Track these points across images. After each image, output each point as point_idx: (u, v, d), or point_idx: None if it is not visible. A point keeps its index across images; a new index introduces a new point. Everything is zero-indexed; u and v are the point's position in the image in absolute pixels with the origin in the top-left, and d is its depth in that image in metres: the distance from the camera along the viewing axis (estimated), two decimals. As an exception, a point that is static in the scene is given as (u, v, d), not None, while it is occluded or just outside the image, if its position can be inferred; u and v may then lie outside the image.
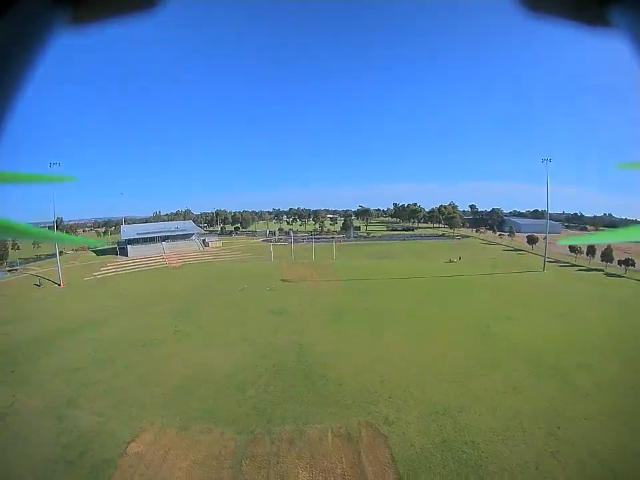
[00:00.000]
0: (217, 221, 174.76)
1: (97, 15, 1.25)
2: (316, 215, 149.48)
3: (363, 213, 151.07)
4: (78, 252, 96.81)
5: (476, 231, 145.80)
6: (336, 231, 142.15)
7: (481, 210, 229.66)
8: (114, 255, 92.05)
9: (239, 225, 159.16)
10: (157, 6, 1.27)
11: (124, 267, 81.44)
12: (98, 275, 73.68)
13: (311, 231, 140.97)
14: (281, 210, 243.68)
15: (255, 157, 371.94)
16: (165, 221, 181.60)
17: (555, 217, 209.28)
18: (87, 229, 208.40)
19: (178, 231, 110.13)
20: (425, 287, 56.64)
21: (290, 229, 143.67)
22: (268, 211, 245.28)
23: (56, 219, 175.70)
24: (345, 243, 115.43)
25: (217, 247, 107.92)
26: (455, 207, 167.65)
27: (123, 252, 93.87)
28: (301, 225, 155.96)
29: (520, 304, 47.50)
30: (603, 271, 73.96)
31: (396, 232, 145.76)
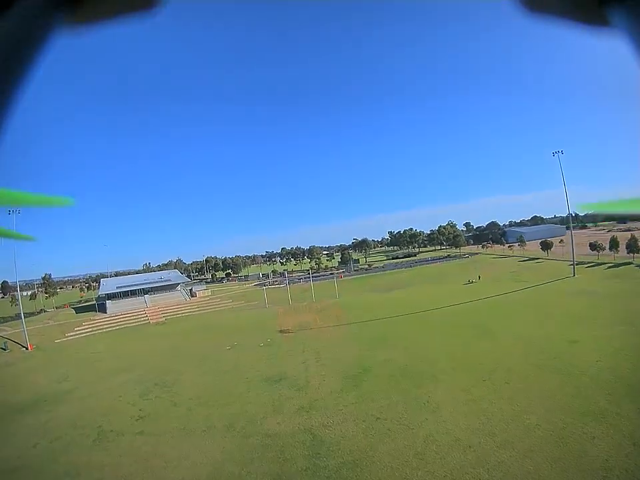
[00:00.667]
0: (207, 268, 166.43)
1: (97, 15, 1.23)
2: (310, 252, 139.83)
3: (361, 245, 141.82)
4: (59, 309, 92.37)
5: (482, 247, 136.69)
6: (334, 267, 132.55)
7: (477, 226, 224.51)
8: (93, 312, 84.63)
9: (230, 270, 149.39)
10: (157, 6, 1.25)
11: (101, 325, 73.69)
12: (71, 335, 66.75)
13: (307, 270, 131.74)
14: (274, 252, 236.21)
15: (243, 203, 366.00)
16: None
17: (553, 221, 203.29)
18: (76, 285, 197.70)
19: (162, 281, 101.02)
20: (455, 319, 45.96)
21: (284, 270, 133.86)
22: (261, 255, 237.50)
23: (44, 275, 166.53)
24: (347, 277, 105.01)
25: (205, 297, 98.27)
26: (454, 225, 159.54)
27: (102, 308, 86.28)
28: (295, 265, 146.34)
29: (574, 321, 38.31)
30: (632, 263, 68.65)
31: (398, 260, 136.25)
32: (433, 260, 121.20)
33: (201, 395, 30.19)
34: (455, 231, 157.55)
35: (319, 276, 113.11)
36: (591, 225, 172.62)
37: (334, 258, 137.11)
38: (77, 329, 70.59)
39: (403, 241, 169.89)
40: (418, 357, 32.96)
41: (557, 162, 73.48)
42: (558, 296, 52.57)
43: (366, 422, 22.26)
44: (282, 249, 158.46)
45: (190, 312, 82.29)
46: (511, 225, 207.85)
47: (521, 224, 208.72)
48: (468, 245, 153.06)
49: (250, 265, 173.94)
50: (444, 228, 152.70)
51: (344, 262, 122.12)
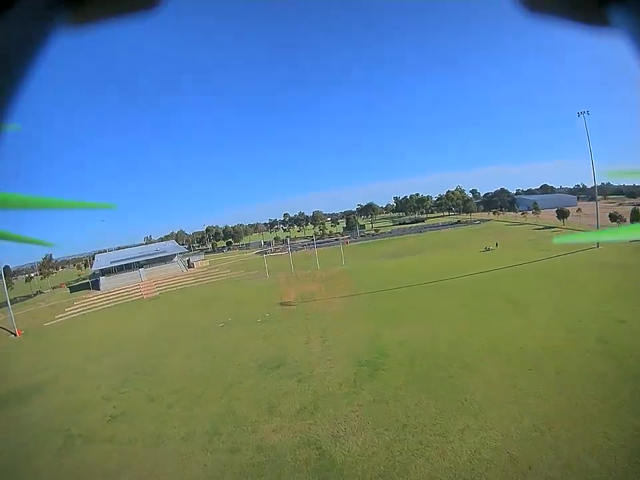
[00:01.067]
0: (207, 237, 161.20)
1: (97, 15, 1.25)
2: (314, 218, 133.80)
3: (366, 210, 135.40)
4: (55, 289, 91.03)
5: (493, 213, 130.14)
6: (339, 233, 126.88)
7: (485, 193, 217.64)
8: (87, 290, 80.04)
9: (230, 239, 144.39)
10: (157, 6, 1.27)
11: (92, 304, 69.25)
12: (61, 317, 62.63)
13: (311, 236, 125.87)
14: (277, 220, 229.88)
15: (244, 168, 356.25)
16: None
17: (561, 191, 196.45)
18: (79, 263, 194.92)
19: (157, 253, 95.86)
20: (478, 289, 40.45)
21: (287, 237, 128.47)
22: (264, 223, 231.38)
23: (44, 256, 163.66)
24: (353, 243, 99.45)
25: (203, 267, 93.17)
26: (462, 191, 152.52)
27: (96, 285, 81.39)
28: (298, 231, 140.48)
29: (612, 296, 32.42)
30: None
31: (406, 225, 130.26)
32: (443, 226, 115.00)
33: (183, 387, 25.15)
34: (464, 197, 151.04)
35: (323, 242, 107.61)
36: (599, 197, 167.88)
37: (338, 224, 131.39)
38: (68, 309, 66.84)
39: (409, 206, 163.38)
40: (442, 337, 27.61)
41: (567, 132, 66.18)
42: (586, 267, 46.90)
43: (390, 431, 16.99)
44: (284, 214, 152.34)
45: (186, 284, 77.39)
46: (518, 193, 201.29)
47: (530, 192, 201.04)
48: (478, 212, 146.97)
49: (252, 233, 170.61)
50: (452, 193, 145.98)
51: (349, 228, 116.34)
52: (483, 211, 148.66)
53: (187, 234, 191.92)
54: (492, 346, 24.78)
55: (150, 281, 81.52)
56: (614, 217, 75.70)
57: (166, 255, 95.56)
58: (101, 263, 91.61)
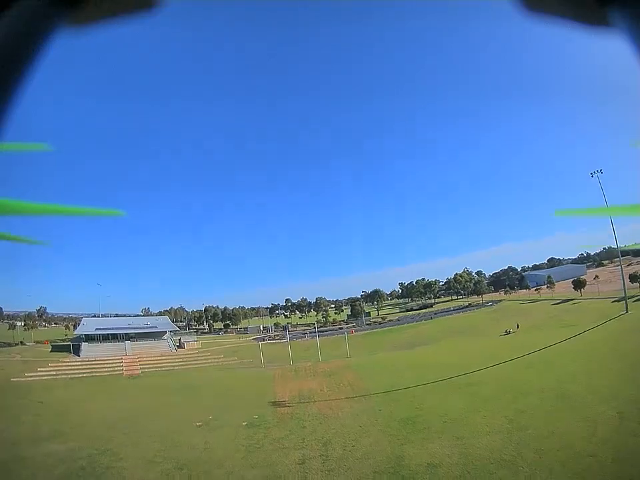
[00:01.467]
0: (205, 317, 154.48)
1: (97, 15, 1.25)
2: (317, 305, 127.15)
3: (372, 296, 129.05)
4: (38, 344, 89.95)
5: (504, 293, 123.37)
6: (343, 320, 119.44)
7: (492, 273, 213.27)
8: (67, 352, 77.47)
9: (229, 321, 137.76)
10: (157, 6, 1.27)
11: (69, 369, 65.93)
12: (30, 376, 59.49)
13: (313, 323, 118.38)
14: (279, 304, 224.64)
15: (245, 254, 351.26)
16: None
17: (567, 262, 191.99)
18: (71, 323, 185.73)
19: (148, 328, 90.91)
20: (513, 382, 33.12)
21: (288, 323, 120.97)
22: (266, 307, 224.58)
23: (38, 308, 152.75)
24: (358, 333, 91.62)
25: (193, 349, 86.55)
26: (470, 273, 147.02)
27: (77, 350, 78.16)
28: (300, 318, 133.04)
29: None
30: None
31: (414, 312, 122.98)
32: (454, 310, 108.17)
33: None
34: (471, 278, 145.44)
35: (327, 331, 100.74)
36: (606, 262, 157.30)
37: (343, 311, 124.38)
38: (40, 369, 63.23)
39: (415, 292, 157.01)
40: (485, 458, 20.19)
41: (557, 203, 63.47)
42: (628, 338, 40.25)
43: None
44: (286, 300, 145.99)
45: (172, 366, 71.22)
46: (524, 270, 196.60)
47: (537, 267, 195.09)
48: (487, 293, 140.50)
49: (252, 317, 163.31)
50: (460, 276, 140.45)
51: (354, 315, 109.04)
52: (492, 292, 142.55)
53: (186, 311, 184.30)
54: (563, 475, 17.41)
55: (134, 356, 75.92)
56: (634, 278, 75.53)
57: (156, 331, 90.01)
58: (86, 327, 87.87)
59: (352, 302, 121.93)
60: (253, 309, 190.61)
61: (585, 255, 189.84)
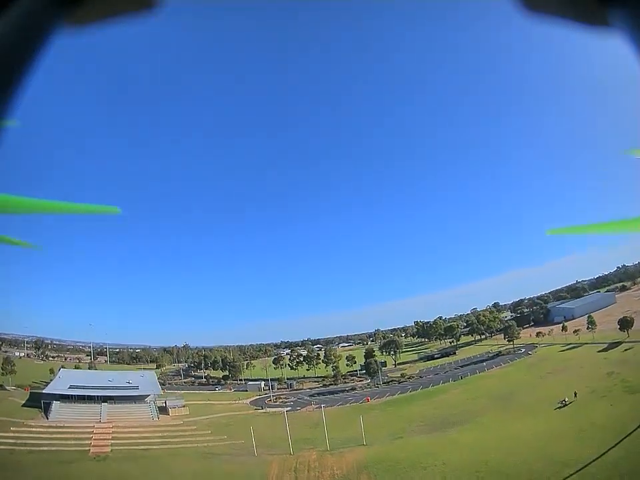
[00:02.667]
0: (205, 364, 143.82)
1: (97, 15, 1.26)
2: (327, 354, 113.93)
3: (388, 345, 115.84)
4: (19, 388, 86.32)
5: (537, 335, 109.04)
6: (355, 372, 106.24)
7: (509, 303, 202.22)
8: (38, 410, 70.64)
9: (228, 373, 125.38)
10: (157, 6, 1.28)
11: (32, 437, 58.51)
12: None
13: (323, 378, 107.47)
14: (287, 342, 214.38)
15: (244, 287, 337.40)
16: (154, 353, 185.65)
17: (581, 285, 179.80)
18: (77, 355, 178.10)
19: (127, 388, 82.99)
20: None
21: (292, 379, 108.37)
22: (274, 344, 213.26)
23: (35, 340, 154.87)
24: (375, 399, 77.32)
25: (179, 417, 76.05)
26: (493, 311, 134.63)
27: (47, 409, 70.98)
28: (308, 370, 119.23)
29: None
30: None
31: (435, 361, 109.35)
32: (483, 360, 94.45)
33: None
34: (495, 317, 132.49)
35: (337, 391, 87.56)
36: (629, 283, 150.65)
37: (355, 362, 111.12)
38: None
39: (434, 332, 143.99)
40: None
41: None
42: None
43: None
44: (291, 349, 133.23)
45: (148, 444, 60.89)
46: (545, 299, 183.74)
47: (560, 297, 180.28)
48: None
49: (255, 360, 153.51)
50: (483, 315, 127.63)
51: (369, 373, 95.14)
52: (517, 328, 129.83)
53: (191, 348, 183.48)
54: None
55: (108, 425, 67.47)
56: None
57: (136, 394, 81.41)
58: (60, 383, 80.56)
59: (366, 353, 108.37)
60: (260, 347, 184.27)
61: (602, 275, 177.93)
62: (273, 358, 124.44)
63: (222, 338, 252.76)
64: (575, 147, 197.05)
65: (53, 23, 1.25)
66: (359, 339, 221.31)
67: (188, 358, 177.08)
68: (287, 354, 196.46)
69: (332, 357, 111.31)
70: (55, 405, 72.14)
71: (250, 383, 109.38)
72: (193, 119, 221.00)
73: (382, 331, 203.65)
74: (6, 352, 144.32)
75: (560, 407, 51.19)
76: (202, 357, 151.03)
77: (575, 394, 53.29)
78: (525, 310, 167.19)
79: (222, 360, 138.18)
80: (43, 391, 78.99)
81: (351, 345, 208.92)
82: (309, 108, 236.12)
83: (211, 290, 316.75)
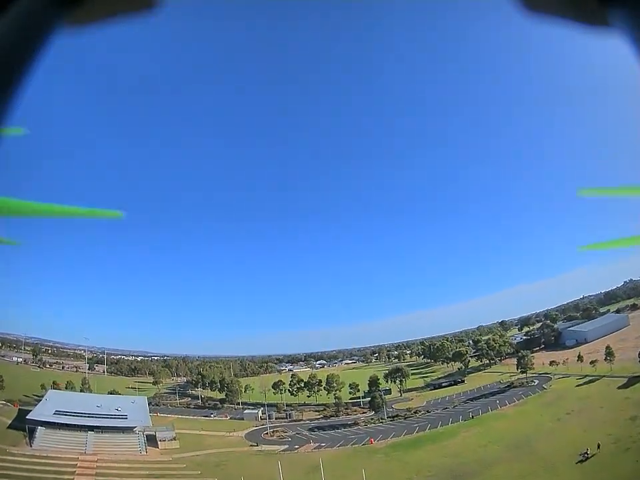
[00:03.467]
0: (202, 383, 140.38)
1: (97, 14, 1.26)
2: (329, 380, 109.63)
3: (394, 373, 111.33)
4: (8, 405, 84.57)
5: (550, 364, 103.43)
6: (358, 401, 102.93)
7: (518, 319, 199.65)
8: (23, 434, 69.12)
9: (225, 395, 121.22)
10: (157, 6, 1.30)
11: (11, 467, 56.30)
12: None
13: (324, 406, 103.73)
14: (289, 355, 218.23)
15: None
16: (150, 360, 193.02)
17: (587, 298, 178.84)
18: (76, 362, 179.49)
19: (116, 418, 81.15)
20: None
21: (290, 411, 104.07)
22: (276, 357, 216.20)
23: (33, 346, 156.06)
24: (380, 439, 72.48)
25: (168, 450, 73.86)
26: (503, 335, 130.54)
27: (32, 435, 69.36)
28: (309, 396, 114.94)
29: None
30: None
31: (442, 390, 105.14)
32: (492, 393, 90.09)
33: None
34: (505, 341, 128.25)
35: (338, 425, 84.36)
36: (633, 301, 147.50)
37: (358, 390, 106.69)
38: None
39: (441, 355, 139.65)
40: None
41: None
42: None
43: None
44: (292, 375, 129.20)
45: None
46: (552, 317, 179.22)
47: (570, 317, 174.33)
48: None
49: (256, 376, 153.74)
50: (493, 340, 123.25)
51: (373, 407, 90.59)
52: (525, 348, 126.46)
53: (191, 359, 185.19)
54: None
55: (93, 458, 65.47)
56: None
57: (124, 425, 79.47)
58: (45, 408, 77.69)
59: (370, 382, 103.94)
60: (264, 361, 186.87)
61: (609, 292, 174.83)
62: (272, 383, 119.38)
63: (224, 347, 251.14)
64: (575, 149, 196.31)
65: (53, 22, 1.24)
66: (363, 355, 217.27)
67: (187, 373, 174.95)
68: (289, 370, 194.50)
69: (334, 383, 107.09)
70: (40, 431, 70.17)
71: (247, 411, 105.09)
72: (193, 120, 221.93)
73: (386, 346, 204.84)
74: (3, 357, 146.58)
75: (581, 461, 46.95)
76: (200, 377, 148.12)
77: (598, 445, 49.03)
78: (535, 332, 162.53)
79: (220, 381, 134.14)
80: (27, 417, 76.03)
81: (354, 362, 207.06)
82: (312, 109, 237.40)
83: (214, 299, 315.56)
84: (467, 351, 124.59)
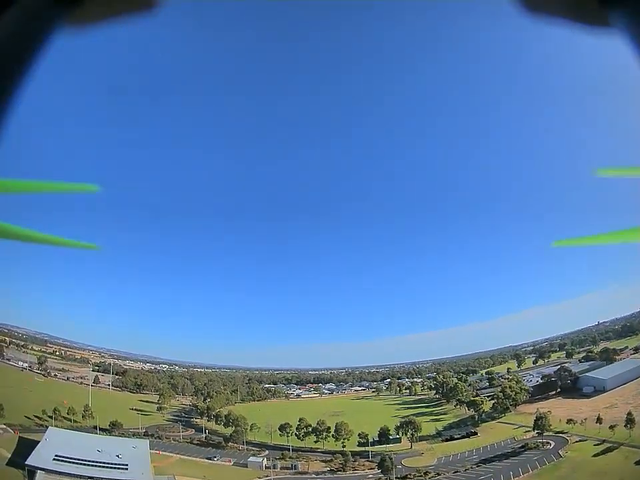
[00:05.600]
0: (208, 415, 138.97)
1: (97, 14, 1.31)
2: (338, 428, 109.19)
3: (406, 426, 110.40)
4: (9, 429, 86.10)
5: (568, 422, 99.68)
6: (367, 451, 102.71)
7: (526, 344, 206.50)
8: (21, 473, 70.31)
9: (230, 435, 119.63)
10: (157, 6, 1.34)
11: None
12: None
13: (332, 455, 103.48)
14: (296, 372, 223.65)
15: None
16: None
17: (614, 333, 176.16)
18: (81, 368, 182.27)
19: (116, 468, 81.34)
20: None
21: (299, 458, 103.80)
22: (284, 376, 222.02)
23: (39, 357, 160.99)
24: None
25: None
26: (519, 380, 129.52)
27: (32, 477, 71.44)
28: (316, 442, 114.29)
29: None
30: None
31: (454, 445, 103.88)
32: (505, 456, 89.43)
33: None
34: (522, 387, 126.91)
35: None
36: None
37: (367, 443, 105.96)
38: None
39: (455, 395, 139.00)
40: None
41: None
42: None
43: None
44: (300, 419, 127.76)
45: None
46: (568, 351, 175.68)
47: (588, 357, 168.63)
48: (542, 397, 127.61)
49: (263, 401, 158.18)
50: (509, 387, 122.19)
51: (383, 471, 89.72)
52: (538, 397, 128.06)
53: (197, 377, 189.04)
54: None
55: None
56: None
57: (125, 478, 79.82)
58: (44, 450, 78.01)
59: (380, 434, 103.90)
60: (268, 388, 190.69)
61: (626, 324, 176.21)
62: (281, 425, 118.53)
63: (231, 358, 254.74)
64: (575, 149, 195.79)
65: (53, 23, 1.29)
66: (373, 380, 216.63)
67: (193, 392, 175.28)
68: (297, 395, 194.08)
69: (343, 432, 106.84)
70: (40, 475, 72.06)
71: (251, 459, 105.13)
72: (192, 120, 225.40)
73: (397, 368, 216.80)
74: (9, 360, 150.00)
75: None
76: (205, 406, 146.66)
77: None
78: (552, 375, 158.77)
79: (225, 416, 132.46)
80: (27, 462, 77.07)
81: (364, 389, 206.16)
82: (312, 109, 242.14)
83: (229, 309, 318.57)
84: (482, 401, 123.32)
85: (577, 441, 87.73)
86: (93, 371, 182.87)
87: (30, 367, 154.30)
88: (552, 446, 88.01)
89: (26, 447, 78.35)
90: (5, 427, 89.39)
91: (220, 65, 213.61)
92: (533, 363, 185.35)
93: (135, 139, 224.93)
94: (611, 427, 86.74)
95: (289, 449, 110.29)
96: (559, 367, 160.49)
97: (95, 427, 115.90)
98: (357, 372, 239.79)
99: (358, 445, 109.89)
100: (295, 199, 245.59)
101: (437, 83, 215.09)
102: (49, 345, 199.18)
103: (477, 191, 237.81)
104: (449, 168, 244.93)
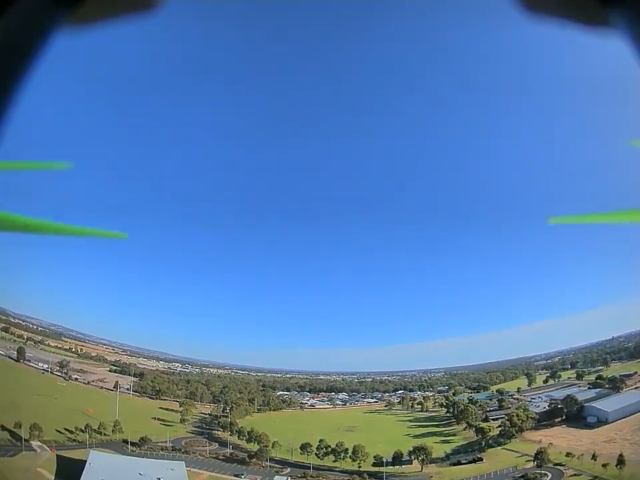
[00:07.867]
0: (230, 430, 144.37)
1: (97, 14, 1.32)
2: (355, 451, 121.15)
3: (418, 451, 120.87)
4: (45, 447, 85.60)
5: (567, 455, 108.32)
6: (381, 473, 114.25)
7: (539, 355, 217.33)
8: None
9: (255, 452, 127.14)
10: (157, 6, 1.36)
11: None
12: None
13: (350, 476, 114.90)
14: (308, 378, 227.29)
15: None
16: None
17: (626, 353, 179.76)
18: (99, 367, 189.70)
19: None
20: None
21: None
22: (298, 384, 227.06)
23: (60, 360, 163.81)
24: None
25: None
26: (527, 409, 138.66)
27: None
28: (335, 461, 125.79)
29: None
30: None
31: (460, 470, 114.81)
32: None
33: None
34: (529, 415, 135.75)
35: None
36: None
37: (382, 464, 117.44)
38: None
39: (463, 417, 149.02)
40: None
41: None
42: None
43: None
44: (320, 440, 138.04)
45: None
46: (579, 372, 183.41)
47: (597, 384, 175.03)
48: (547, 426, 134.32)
49: (278, 412, 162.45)
50: (517, 416, 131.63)
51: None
52: (547, 422, 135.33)
53: (213, 382, 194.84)
54: None
55: None
56: None
57: None
58: (90, 474, 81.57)
59: (395, 456, 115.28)
60: (282, 398, 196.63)
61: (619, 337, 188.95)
62: (300, 444, 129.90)
63: (243, 358, 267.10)
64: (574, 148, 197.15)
65: (53, 22, 1.27)
66: (385, 391, 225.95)
67: (211, 400, 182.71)
68: (311, 405, 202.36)
69: (359, 454, 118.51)
70: None
71: (276, 478, 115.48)
72: (192, 119, 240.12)
73: (409, 375, 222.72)
74: (29, 361, 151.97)
75: None
76: (228, 423, 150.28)
77: None
78: (559, 402, 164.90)
79: (248, 433, 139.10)
80: None
81: (376, 401, 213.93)
82: (314, 109, 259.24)
83: (245, 310, 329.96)
84: (489, 428, 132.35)
85: (571, 475, 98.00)
86: (110, 371, 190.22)
87: (50, 369, 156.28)
88: (549, 478, 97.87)
89: (66, 466, 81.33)
90: (41, 444, 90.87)
91: (220, 66, 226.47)
92: (544, 382, 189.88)
93: (135, 139, 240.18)
94: (604, 465, 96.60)
95: (309, 467, 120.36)
96: (567, 397, 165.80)
97: (125, 441, 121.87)
98: (369, 379, 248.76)
99: (372, 465, 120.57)
100: (318, 202, 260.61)
101: (435, 84, 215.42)
102: (64, 339, 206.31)
103: (497, 201, 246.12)
104: (471, 175, 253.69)
